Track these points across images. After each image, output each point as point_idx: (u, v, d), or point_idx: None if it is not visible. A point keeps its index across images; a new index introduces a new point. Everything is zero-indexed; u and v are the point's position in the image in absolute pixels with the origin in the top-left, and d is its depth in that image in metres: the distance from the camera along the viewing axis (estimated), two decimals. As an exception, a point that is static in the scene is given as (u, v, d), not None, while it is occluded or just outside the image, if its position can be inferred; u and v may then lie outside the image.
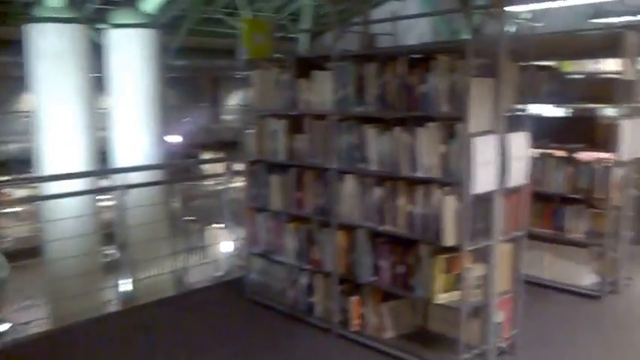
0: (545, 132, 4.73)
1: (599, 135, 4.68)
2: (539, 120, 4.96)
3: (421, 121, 3.40)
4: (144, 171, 7.85)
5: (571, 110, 6.22)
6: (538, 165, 4.80)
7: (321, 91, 3.95)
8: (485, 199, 3.36)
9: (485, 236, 3.40)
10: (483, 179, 3.26)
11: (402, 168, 3.51)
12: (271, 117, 4.36)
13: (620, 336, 4.04)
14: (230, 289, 5.03)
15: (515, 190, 3.56)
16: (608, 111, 6.62)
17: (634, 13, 4.66)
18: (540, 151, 4.98)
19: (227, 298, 4.87)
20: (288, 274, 4.41)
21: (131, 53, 11.35)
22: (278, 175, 4.36)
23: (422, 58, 3.48)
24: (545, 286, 4.86)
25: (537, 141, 4.54)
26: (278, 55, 4.55)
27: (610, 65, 6.69)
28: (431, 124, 3.34)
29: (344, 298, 4.00)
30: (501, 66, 3.31)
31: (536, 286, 4.69)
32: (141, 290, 5.82)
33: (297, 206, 4.24)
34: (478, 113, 3.23)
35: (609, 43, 4.48)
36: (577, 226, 4.78)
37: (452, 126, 3.27)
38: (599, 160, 4.65)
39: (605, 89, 4.58)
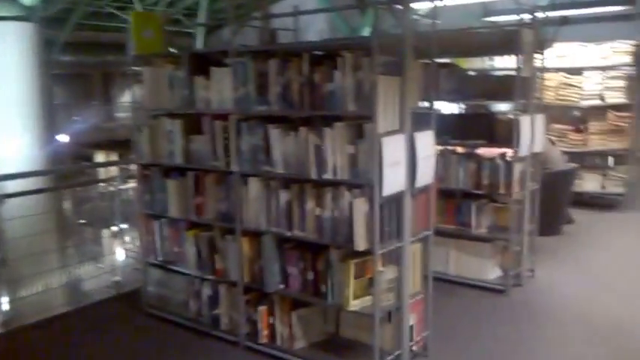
0: (446, 129, 4.76)
1: (498, 131, 4.76)
2: (440, 117, 4.97)
3: (328, 120, 3.23)
4: (25, 178, 7.14)
5: (464, 107, 6.36)
6: (440, 162, 4.82)
7: (220, 89, 3.68)
8: (394, 200, 3.25)
9: (396, 238, 3.30)
10: (393, 180, 3.14)
11: (310, 170, 3.32)
12: (165, 116, 4.04)
13: (523, 328, 4.11)
14: (127, 302, 4.65)
15: (424, 190, 3.49)
16: (505, 107, 6.85)
17: (525, 12, 4.75)
18: (442, 147, 5.02)
19: (124, 313, 4.48)
20: (190, 285, 4.11)
21: (8, 48, 10.39)
22: (175, 180, 4.04)
23: (326, 55, 3.32)
24: (452, 282, 4.89)
25: (439, 138, 4.66)
26: (171, 51, 4.23)
27: (503, 62, 6.93)
28: (338, 124, 3.18)
29: (251, 308, 3.77)
30: (407, 63, 3.21)
31: (442, 282, 4.70)
32: (27, 308, 5.28)
33: (197, 212, 3.95)
34: (386, 112, 3.11)
35: (506, 41, 4.56)
36: (480, 221, 4.83)
37: (360, 126, 3.13)
38: (501, 156, 4.72)
39: (502, 86, 4.65)
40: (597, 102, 7.26)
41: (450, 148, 5.00)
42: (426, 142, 3.43)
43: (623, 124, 7.18)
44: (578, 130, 7.51)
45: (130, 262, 5.90)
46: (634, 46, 6.95)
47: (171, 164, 4.03)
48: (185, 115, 3.92)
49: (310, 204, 3.37)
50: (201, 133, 3.83)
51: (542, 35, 4.98)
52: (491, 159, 4.73)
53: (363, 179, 3.14)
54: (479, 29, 5.08)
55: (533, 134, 4.74)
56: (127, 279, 5.63)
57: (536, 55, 4.78)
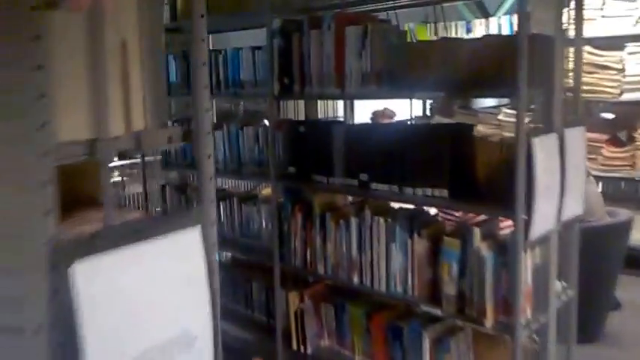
0: (359, 159, 2.08)
1: (479, 170, 1.98)
2: (348, 132, 2.26)
3: None
4: None
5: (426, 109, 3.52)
6: (342, 230, 2.16)
7: None
8: None
9: None
10: None
11: None
12: None
13: None
14: None
15: None
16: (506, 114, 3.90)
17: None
18: (352, 199, 2.33)
19: None
20: None
21: None
22: None
23: None
24: None
25: (346, 176, 2.30)
26: None
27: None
28: None
29: None
30: None
31: None
32: None
33: None
34: None
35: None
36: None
37: None
38: (484, 232, 1.96)
39: (490, 60, 1.88)
40: (647, 95, 4.45)
41: (378, 202, 2.25)
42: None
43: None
44: (617, 143, 4.66)
45: None
46: None
47: None
48: None
49: None
50: None
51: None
52: (462, 237, 1.96)
53: None
54: None
55: (565, 177, 1.97)
56: None
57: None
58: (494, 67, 1.88)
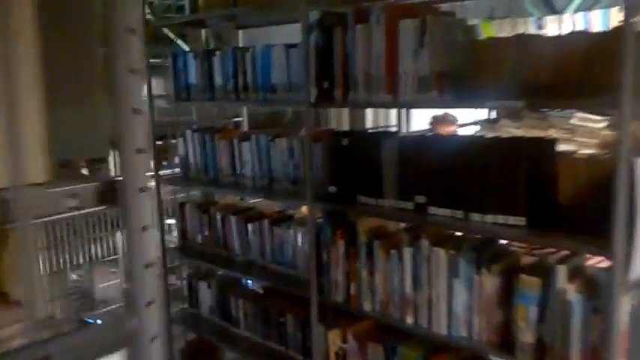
0: (419, 178, 1.85)
1: (564, 194, 1.65)
2: (407, 148, 1.94)
3: None
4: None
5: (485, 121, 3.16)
6: (393, 260, 1.84)
7: None
8: None
9: None
10: None
11: None
12: None
13: None
14: None
15: None
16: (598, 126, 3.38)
17: None
18: (405, 225, 2.05)
19: None
20: None
21: None
22: None
23: None
24: None
25: (402, 199, 1.95)
26: None
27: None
28: None
29: None
30: None
31: None
32: None
33: None
34: None
35: None
36: None
37: None
38: (572, 267, 1.63)
39: (594, 64, 1.55)
40: None
41: (434, 225, 1.92)
42: None
43: None
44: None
45: None
46: None
47: None
48: None
49: None
50: None
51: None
52: (543, 275, 1.63)
53: None
54: None
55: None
56: None
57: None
58: (587, 71, 1.56)
